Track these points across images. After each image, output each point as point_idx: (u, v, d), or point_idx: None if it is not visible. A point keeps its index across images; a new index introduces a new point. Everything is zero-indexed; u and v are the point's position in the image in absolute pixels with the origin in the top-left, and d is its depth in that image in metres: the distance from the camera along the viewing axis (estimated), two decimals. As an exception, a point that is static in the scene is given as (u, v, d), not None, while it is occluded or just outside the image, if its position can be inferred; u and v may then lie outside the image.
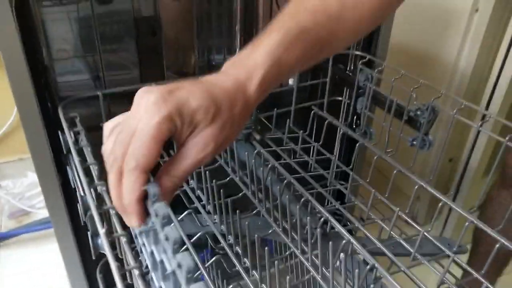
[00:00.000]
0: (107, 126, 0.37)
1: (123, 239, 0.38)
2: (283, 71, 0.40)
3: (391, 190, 0.65)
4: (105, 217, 0.42)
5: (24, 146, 1.59)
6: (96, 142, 0.55)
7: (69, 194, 0.62)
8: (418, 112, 0.69)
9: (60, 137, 0.56)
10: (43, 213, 1.37)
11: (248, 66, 0.38)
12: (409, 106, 0.70)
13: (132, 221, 0.35)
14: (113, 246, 0.39)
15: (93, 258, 0.48)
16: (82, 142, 0.53)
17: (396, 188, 0.69)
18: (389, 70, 0.76)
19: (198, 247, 0.54)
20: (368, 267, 0.45)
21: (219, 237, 0.52)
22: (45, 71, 0.61)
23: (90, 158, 0.48)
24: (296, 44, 0.40)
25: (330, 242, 0.42)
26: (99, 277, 0.70)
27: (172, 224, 0.33)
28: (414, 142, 0.71)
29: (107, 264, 0.38)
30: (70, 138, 0.51)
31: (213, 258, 0.49)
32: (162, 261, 0.33)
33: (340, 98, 0.85)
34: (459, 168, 1.19)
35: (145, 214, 0.35)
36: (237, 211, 0.52)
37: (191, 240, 0.51)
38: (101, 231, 0.37)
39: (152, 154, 0.33)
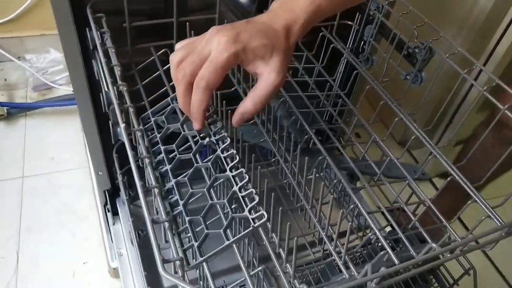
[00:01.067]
0: (180, 43, 0.49)
1: (138, 133, 0.48)
2: (320, 16, 0.49)
3: (386, 120, 0.72)
4: (124, 112, 0.51)
5: (47, 22, 1.65)
6: (118, 42, 0.62)
7: (93, 84, 0.71)
8: (416, 50, 0.74)
9: (88, 34, 0.63)
10: (65, 89, 1.48)
11: (293, 10, 0.47)
12: (409, 43, 0.75)
13: (196, 125, 0.47)
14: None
15: (113, 142, 0.58)
16: (107, 43, 0.60)
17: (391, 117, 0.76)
18: (401, 3, 0.79)
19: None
20: (335, 180, 0.55)
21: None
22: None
23: (114, 60, 0.56)
24: None
25: (306, 157, 0.52)
26: (115, 156, 0.82)
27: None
28: (408, 77, 0.77)
29: (122, 147, 0.49)
30: (97, 38, 0.58)
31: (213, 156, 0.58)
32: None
33: (350, 23, 0.89)
34: (456, 101, 1.25)
35: (204, 120, 0.46)
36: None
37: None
38: (122, 124, 0.46)
39: (220, 78, 0.44)
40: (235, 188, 0.42)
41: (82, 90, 0.69)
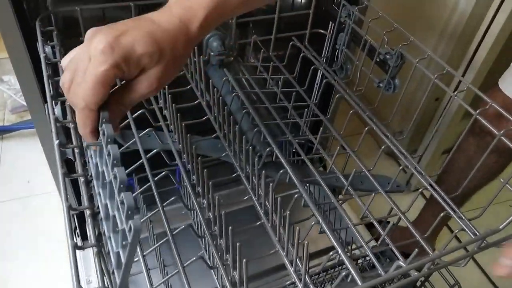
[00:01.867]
0: (64, 61, 0.41)
1: (76, 150, 0.45)
2: (226, 12, 0.42)
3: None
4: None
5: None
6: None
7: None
8: (387, 56, 0.71)
9: (39, 49, 0.60)
10: (44, 111, 1.45)
11: (192, 5, 0.41)
12: (380, 49, 0.72)
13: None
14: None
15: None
16: (57, 56, 0.57)
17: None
18: (372, 9, 0.77)
19: (156, 163, 0.60)
20: (296, 196, 0.51)
21: (175, 154, 0.58)
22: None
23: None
24: None
25: (263, 171, 0.48)
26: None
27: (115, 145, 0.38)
28: (381, 84, 0.74)
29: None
30: (41, 52, 0.55)
31: (162, 174, 0.55)
32: (103, 172, 0.39)
33: (322, 31, 0.86)
34: (439, 110, 1.22)
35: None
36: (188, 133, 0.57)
37: (148, 155, 0.57)
38: (55, 142, 0.43)
39: (99, 95, 0.37)
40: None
41: (36, 108, 0.66)
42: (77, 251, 0.86)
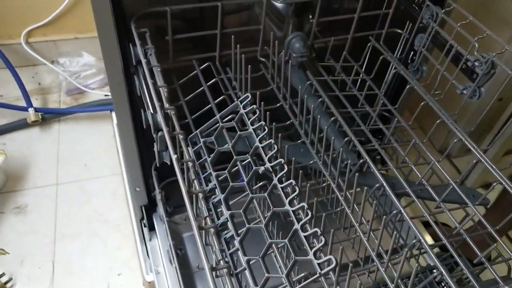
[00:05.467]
0: None
1: (190, 164, 0.45)
2: None
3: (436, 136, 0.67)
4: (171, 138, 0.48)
5: (80, 26, 1.65)
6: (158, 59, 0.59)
7: (133, 100, 0.68)
8: (476, 63, 0.69)
9: (132, 50, 0.60)
10: (97, 93, 1.47)
11: None
12: (468, 55, 0.69)
13: None
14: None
15: (157, 165, 0.55)
16: (151, 60, 0.57)
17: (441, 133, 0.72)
18: (458, 11, 0.74)
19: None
20: (394, 211, 0.51)
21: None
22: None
23: (160, 80, 0.53)
24: None
25: (366, 188, 0.48)
26: (154, 174, 0.80)
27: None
28: (465, 91, 0.72)
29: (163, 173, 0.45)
30: (142, 56, 0.55)
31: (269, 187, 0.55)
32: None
33: (399, 31, 0.84)
34: (507, 111, 1.18)
35: None
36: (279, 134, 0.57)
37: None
38: (173, 156, 0.43)
39: None
40: (297, 226, 0.38)
41: (122, 107, 0.66)
42: (146, 240, 0.88)
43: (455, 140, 0.64)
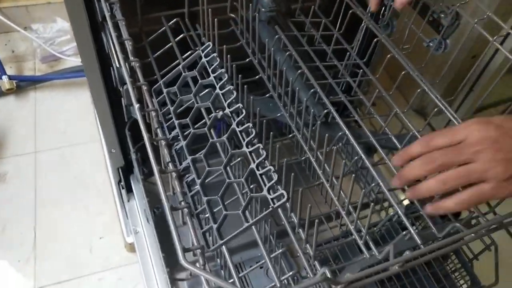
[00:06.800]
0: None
1: (153, 113, 0.46)
2: None
3: (404, 88, 0.69)
4: (137, 90, 0.48)
5: (53, -9, 1.57)
6: (127, 17, 0.59)
7: (102, 57, 0.68)
8: (442, 15, 0.70)
9: (96, 5, 0.59)
10: (73, 60, 1.45)
11: None
12: (434, 7, 0.70)
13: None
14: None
15: (126, 120, 0.56)
16: (117, 14, 0.57)
17: (409, 86, 0.73)
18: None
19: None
20: (356, 157, 0.53)
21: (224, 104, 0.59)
22: None
23: (124, 33, 0.53)
24: None
25: (326, 134, 0.49)
26: (128, 134, 0.81)
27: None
28: (431, 44, 0.73)
29: (135, 123, 0.46)
30: (106, 10, 0.55)
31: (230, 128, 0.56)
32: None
33: (369, -14, 0.83)
34: (478, 68, 1.20)
35: None
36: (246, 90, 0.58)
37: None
38: (136, 105, 0.44)
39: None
40: (253, 165, 0.40)
41: (92, 65, 0.66)
42: (124, 202, 0.90)
43: (418, 90, 0.65)
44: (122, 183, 0.93)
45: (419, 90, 0.66)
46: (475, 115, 1.26)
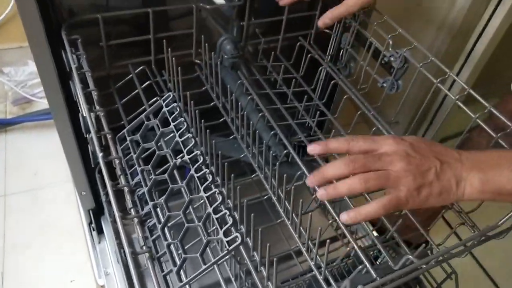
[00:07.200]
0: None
1: (116, 161, 0.48)
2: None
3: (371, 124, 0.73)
4: (103, 138, 0.51)
5: (24, 34, 1.64)
6: (95, 64, 0.62)
7: (71, 104, 0.70)
8: (392, 58, 0.75)
9: (64, 57, 0.62)
10: (45, 102, 1.46)
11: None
12: (385, 51, 0.76)
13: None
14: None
15: (92, 165, 0.58)
16: (83, 65, 0.60)
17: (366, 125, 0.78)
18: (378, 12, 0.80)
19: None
20: (313, 196, 0.56)
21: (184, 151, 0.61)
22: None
23: (91, 84, 0.56)
24: None
25: (284, 176, 0.52)
26: (97, 176, 0.82)
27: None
28: (384, 84, 0.79)
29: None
30: (72, 62, 0.58)
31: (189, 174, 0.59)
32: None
33: (328, 31, 0.89)
34: (436, 102, 1.27)
35: None
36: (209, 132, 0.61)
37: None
38: (99, 153, 0.46)
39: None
40: (209, 210, 0.42)
41: (60, 112, 0.68)
42: (95, 244, 0.90)
43: (374, 128, 0.70)
44: (93, 225, 0.93)
45: (374, 129, 0.70)
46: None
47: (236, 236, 0.37)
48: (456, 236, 0.62)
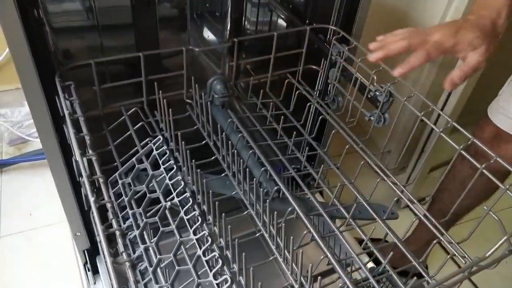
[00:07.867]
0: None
1: (108, 205, 0.49)
2: None
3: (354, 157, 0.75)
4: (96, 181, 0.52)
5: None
6: (89, 105, 0.64)
7: (65, 147, 0.72)
8: (377, 93, 0.78)
9: (57, 102, 0.64)
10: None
11: (495, 7, 0.63)
12: (370, 86, 0.78)
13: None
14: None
15: (85, 208, 0.59)
16: (77, 110, 0.61)
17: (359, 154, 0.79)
18: (362, 46, 0.83)
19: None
20: (305, 232, 0.57)
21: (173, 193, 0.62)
22: (44, 38, 0.68)
23: (84, 129, 0.57)
24: None
25: (275, 212, 0.53)
26: (92, 217, 0.82)
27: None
28: (372, 118, 0.81)
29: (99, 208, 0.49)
30: (65, 108, 0.59)
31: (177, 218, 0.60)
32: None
33: (315, 67, 0.92)
34: (426, 130, 1.29)
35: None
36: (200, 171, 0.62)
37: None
38: (91, 198, 0.47)
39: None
40: (199, 252, 0.43)
41: (54, 156, 0.70)
42: (90, 284, 0.89)
43: (362, 162, 0.71)
44: (88, 265, 0.93)
45: (362, 162, 0.72)
46: (429, 174, 1.34)
47: (226, 279, 0.38)
48: (453, 262, 0.62)
